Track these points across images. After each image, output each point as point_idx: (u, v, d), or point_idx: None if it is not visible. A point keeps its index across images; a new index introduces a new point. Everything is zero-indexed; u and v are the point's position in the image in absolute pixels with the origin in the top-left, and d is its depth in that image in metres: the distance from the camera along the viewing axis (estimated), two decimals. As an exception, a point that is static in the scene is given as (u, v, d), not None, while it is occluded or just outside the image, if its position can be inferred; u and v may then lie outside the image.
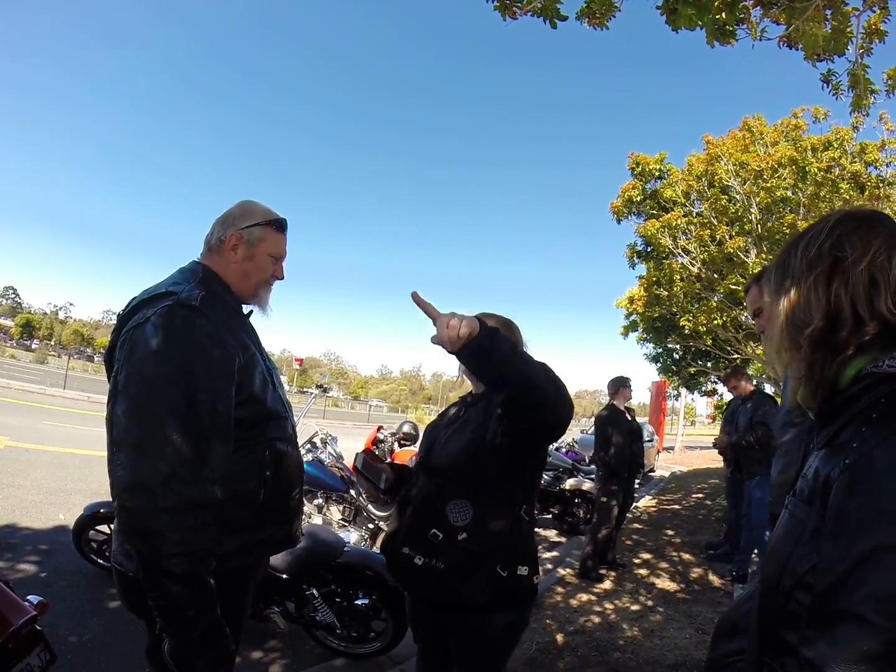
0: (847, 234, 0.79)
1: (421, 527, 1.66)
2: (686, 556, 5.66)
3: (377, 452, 5.46)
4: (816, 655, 0.65)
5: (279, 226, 1.58)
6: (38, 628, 1.79)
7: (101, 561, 3.59)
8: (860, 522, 0.65)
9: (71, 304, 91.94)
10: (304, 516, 4.11)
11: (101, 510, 3.43)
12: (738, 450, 5.00)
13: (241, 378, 1.36)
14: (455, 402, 2.04)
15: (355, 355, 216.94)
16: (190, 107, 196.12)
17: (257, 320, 1.65)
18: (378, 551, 3.90)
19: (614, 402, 5.08)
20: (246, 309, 1.60)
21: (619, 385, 5.10)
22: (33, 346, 70.16)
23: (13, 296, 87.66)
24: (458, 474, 1.67)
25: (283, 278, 1.62)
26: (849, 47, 3.38)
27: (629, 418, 5.06)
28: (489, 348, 1.29)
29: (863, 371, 0.76)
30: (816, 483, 0.75)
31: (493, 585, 1.59)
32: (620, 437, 4.90)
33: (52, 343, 77.10)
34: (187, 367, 1.25)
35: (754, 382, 6.96)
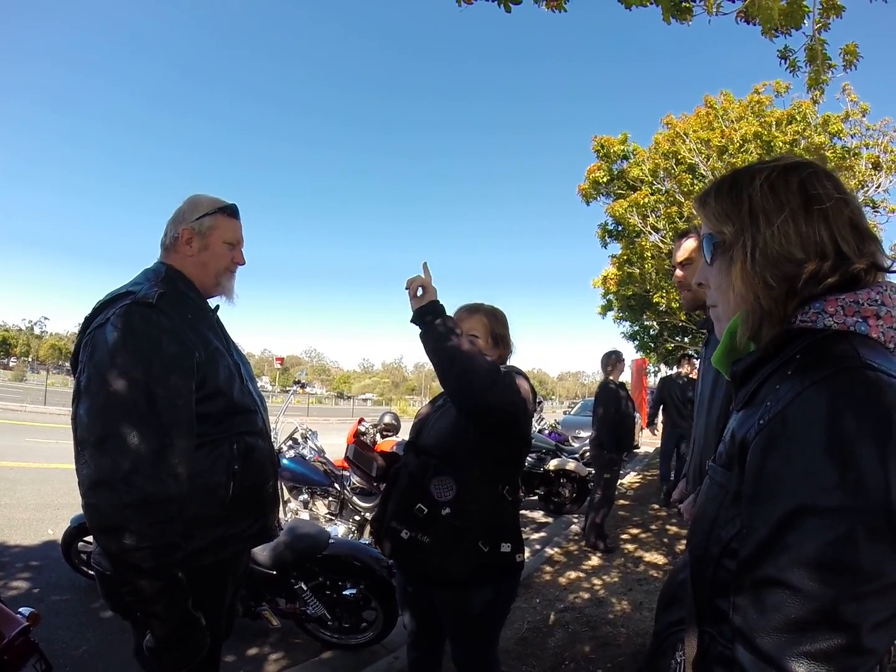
0: (814, 174, 0.76)
1: (408, 501, 1.74)
2: (672, 529, 5.77)
3: None
4: (745, 624, 0.64)
5: (230, 211, 1.58)
6: (32, 639, 1.81)
7: (91, 572, 3.57)
8: (778, 484, 0.63)
9: (46, 319, 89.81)
10: (290, 513, 4.16)
11: (88, 522, 3.44)
12: None
13: (203, 373, 1.38)
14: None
15: (337, 351, 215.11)
16: (160, 120, 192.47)
17: (231, 314, 1.68)
18: (367, 542, 3.99)
19: (612, 377, 5.16)
20: (213, 302, 1.61)
21: (617, 359, 5.16)
22: (10, 364, 68.67)
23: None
24: (442, 452, 1.74)
25: (244, 263, 1.63)
26: (805, 21, 3.40)
27: (624, 393, 5.18)
28: (430, 316, 1.62)
29: None
30: (734, 446, 0.74)
31: (475, 560, 1.67)
32: (621, 410, 5.01)
33: (30, 359, 75.50)
34: (146, 365, 1.28)
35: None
